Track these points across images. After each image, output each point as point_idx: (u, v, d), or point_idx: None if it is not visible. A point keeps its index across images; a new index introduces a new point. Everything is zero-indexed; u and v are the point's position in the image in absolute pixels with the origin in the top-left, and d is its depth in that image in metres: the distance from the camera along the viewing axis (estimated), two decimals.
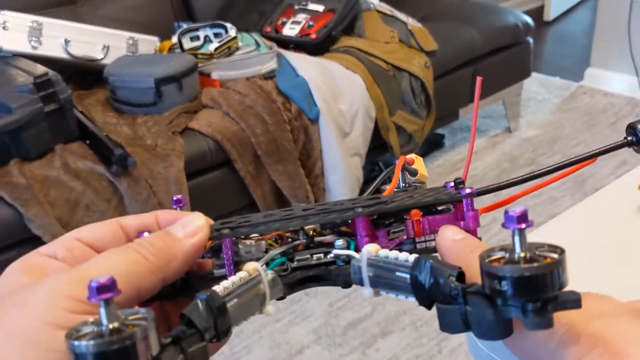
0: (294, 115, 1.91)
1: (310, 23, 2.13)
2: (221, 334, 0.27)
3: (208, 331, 0.26)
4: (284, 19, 2.17)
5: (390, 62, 2.14)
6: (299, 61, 1.99)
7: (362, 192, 2.15)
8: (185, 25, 2.06)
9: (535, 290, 0.24)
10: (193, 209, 1.59)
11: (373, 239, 0.31)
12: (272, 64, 1.98)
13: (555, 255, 0.25)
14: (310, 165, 1.98)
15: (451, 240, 0.30)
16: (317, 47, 2.10)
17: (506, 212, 0.25)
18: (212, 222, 0.33)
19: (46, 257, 0.30)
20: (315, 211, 0.32)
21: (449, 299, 0.26)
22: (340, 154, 1.98)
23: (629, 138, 0.34)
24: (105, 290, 0.23)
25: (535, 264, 0.24)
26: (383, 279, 0.29)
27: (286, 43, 2.12)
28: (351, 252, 0.31)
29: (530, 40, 2.58)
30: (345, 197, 2.05)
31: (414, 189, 0.37)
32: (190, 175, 1.76)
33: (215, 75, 1.94)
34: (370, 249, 0.29)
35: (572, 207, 0.69)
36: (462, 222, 0.32)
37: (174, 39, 2.02)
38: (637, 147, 0.34)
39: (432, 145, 2.64)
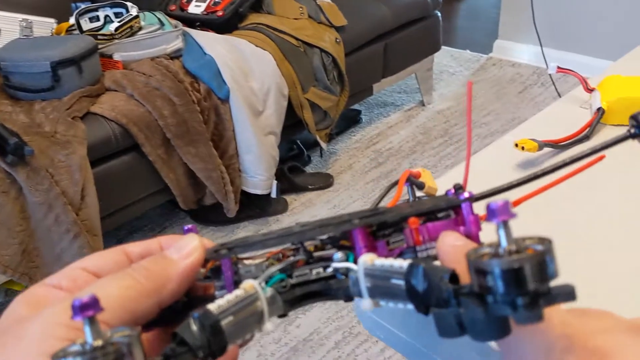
0: (203, 95, 1.86)
1: (217, 0, 2.08)
2: (216, 352, 0.26)
3: (201, 349, 0.26)
4: None
5: (300, 39, 2.12)
6: (206, 39, 1.94)
7: (279, 170, 2.13)
8: (83, 6, 1.96)
9: (523, 283, 0.23)
10: (101, 196, 1.53)
11: (372, 250, 0.30)
12: (177, 43, 1.92)
13: (541, 247, 0.24)
14: (224, 146, 1.94)
15: (451, 246, 0.29)
16: (224, 24, 2.05)
17: (488, 206, 0.24)
18: (210, 243, 0.32)
19: (50, 288, 0.30)
20: (313, 226, 0.31)
21: (443, 302, 0.26)
22: (254, 133, 1.95)
23: (632, 130, 0.34)
24: (87, 308, 0.24)
25: (519, 256, 0.23)
26: (380, 288, 0.28)
27: (192, 21, 2.06)
28: (348, 264, 0.30)
29: (439, 14, 2.62)
30: (262, 177, 2.04)
31: (415, 200, 0.36)
32: (95, 162, 1.69)
33: (117, 56, 1.86)
34: (366, 259, 0.29)
35: (455, 166, 0.69)
36: (462, 228, 0.31)
37: (72, 20, 1.92)
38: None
39: (349, 122, 2.65)
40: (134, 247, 0.34)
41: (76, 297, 0.24)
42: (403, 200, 0.39)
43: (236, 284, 0.30)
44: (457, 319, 0.25)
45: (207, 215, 2.09)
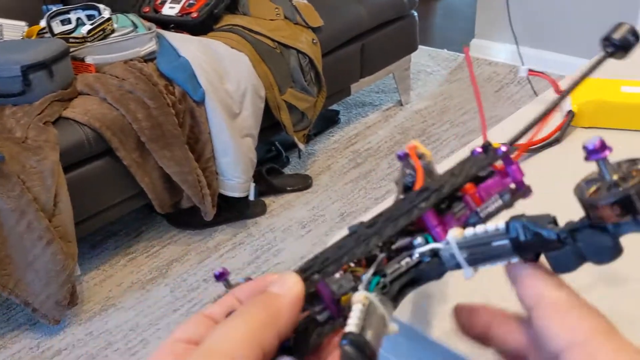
0: (178, 97, 1.84)
1: (191, 1, 2.06)
2: None
3: None
4: None
5: (276, 40, 2.10)
6: (181, 41, 1.92)
7: (256, 172, 2.12)
8: (54, 8, 1.93)
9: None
10: (74, 202, 1.50)
11: (443, 224, 0.32)
12: (151, 46, 1.90)
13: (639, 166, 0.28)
14: (200, 149, 1.92)
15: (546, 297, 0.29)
16: (199, 26, 2.03)
17: (585, 147, 0.27)
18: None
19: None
20: (382, 224, 0.32)
21: (557, 243, 0.28)
22: (231, 135, 1.93)
23: (608, 50, 0.34)
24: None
25: (633, 181, 0.27)
26: (479, 254, 0.30)
27: (166, 23, 2.04)
28: (435, 245, 0.31)
29: (415, 13, 2.63)
30: (239, 180, 2.02)
31: (453, 169, 0.35)
32: (68, 167, 1.67)
33: (89, 59, 1.83)
34: (456, 234, 0.30)
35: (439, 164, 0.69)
36: (509, 179, 0.33)
37: (43, 23, 1.89)
38: (617, 54, 0.34)
39: (327, 122, 2.65)
40: (214, 308, 0.33)
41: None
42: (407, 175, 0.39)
43: (337, 302, 0.31)
44: (576, 253, 0.28)
45: (184, 219, 2.07)
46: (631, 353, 0.25)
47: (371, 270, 0.31)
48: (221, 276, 0.35)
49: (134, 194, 1.85)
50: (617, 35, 0.33)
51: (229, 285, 0.35)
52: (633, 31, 0.33)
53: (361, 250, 0.31)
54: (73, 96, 1.76)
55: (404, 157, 0.39)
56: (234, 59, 1.97)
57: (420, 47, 2.81)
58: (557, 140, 0.73)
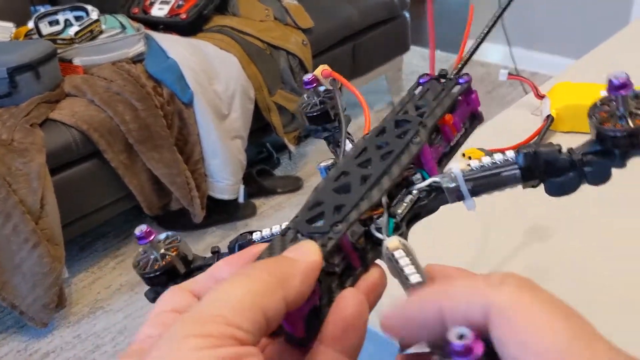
0: (166, 99, 1.83)
1: (180, 2, 2.05)
2: None
3: None
4: None
5: (266, 41, 2.10)
6: (169, 42, 1.91)
7: (246, 174, 2.11)
8: (42, 9, 1.92)
9: None
10: (62, 205, 1.49)
11: (430, 156, 0.33)
12: (139, 47, 1.89)
13: None
14: (189, 151, 1.91)
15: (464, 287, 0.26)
16: (188, 27, 2.02)
17: (610, 81, 0.28)
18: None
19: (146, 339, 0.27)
20: (387, 167, 0.31)
21: (565, 168, 0.30)
22: (220, 137, 1.93)
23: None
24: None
25: None
26: (484, 185, 0.31)
27: (155, 24, 2.03)
28: (436, 179, 0.31)
29: (407, 14, 2.62)
30: (228, 182, 2.01)
31: (416, 98, 0.36)
32: (55, 169, 1.66)
33: (77, 61, 1.82)
34: (462, 167, 0.31)
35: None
36: (470, 107, 0.34)
37: (30, 24, 1.88)
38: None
39: None
40: (194, 284, 0.29)
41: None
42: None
43: (356, 250, 0.29)
44: (579, 177, 0.30)
45: (174, 221, 2.06)
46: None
47: (386, 214, 0.30)
48: (144, 238, 0.32)
49: (122, 196, 1.85)
50: None
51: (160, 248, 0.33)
52: None
53: (376, 193, 0.30)
54: (60, 98, 1.75)
55: (311, 84, 0.39)
56: (223, 60, 1.97)
57: (412, 47, 2.80)
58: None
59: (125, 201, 1.88)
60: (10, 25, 1.92)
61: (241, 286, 0.25)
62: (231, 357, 0.22)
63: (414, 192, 0.31)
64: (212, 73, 1.92)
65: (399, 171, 0.31)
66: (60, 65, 1.78)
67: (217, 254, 0.32)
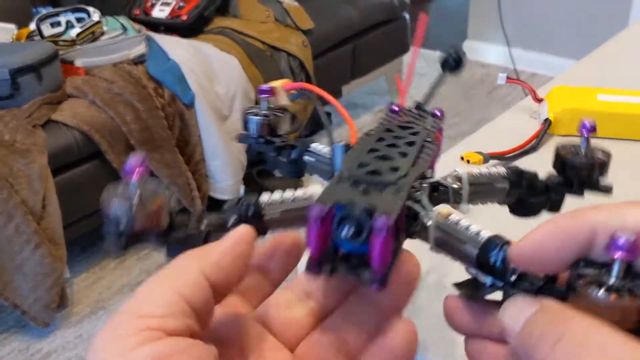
0: (167, 100, 1.84)
1: (181, 4, 2.06)
2: None
3: None
4: (153, 1, 2.09)
5: (266, 42, 2.11)
6: (170, 44, 1.92)
7: (246, 175, 2.12)
8: (44, 11, 1.93)
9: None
10: (64, 206, 1.49)
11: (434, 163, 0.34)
12: (141, 48, 1.90)
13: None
14: (190, 152, 1.92)
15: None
16: (189, 28, 2.03)
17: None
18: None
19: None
20: (405, 143, 0.32)
21: (540, 191, 0.34)
22: (221, 138, 1.94)
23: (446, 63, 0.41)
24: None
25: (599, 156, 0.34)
26: (479, 193, 0.32)
27: (156, 26, 2.04)
28: (441, 179, 0.32)
29: (407, 15, 2.63)
30: (229, 182, 2.02)
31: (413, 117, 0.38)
32: (56, 170, 1.66)
33: (79, 62, 1.83)
34: (470, 171, 0.32)
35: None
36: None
37: (32, 26, 1.89)
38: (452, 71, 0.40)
39: (318, 124, 2.65)
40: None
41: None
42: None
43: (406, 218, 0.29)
44: (548, 200, 0.34)
45: None
46: None
47: (426, 190, 0.30)
48: (132, 172, 0.27)
49: None
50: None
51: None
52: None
53: (423, 165, 0.31)
54: (62, 99, 1.76)
55: (266, 93, 0.38)
56: (224, 61, 1.98)
57: (412, 48, 2.81)
58: (533, 148, 0.74)
59: None
60: (12, 26, 1.93)
61: (154, 278, 0.24)
62: (154, 355, 0.21)
63: (425, 185, 0.32)
64: (213, 74, 1.93)
65: (430, 157, 0.31)
66: (61, 67, 1.79)
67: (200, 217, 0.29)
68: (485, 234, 0.27)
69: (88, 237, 2.07)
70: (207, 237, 0.28)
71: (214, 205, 2.03)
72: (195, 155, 1.93)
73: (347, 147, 0.33)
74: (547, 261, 0.24)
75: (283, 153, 0.36)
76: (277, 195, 0.29)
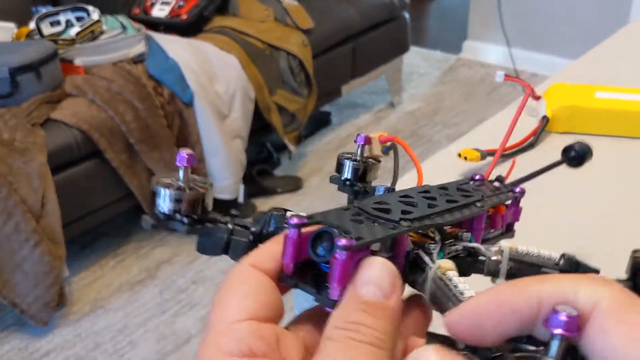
0: (167, 99, 1.84)
1: (181, 3, 2.06)
2: None
3: None
4: (153, 0, 2.09)
5: (266, 42, 2.11)
6: (170, 43, 1.92)
7: (246, 174, 2.12)
8: (43, 10, 1.93)
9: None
10: (63, 204, 1.48)
11: (481, 230, 0.33)
12: (140, 47, 1.90)
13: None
14: None
15: None
16: (188, 27, 2.03)
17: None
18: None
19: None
20: (444, 200, 0.31)
21: None
22: (220, 137, 1.94)
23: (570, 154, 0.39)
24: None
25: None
26: (521, 271, 0.31)
27: (156, 25, 2.04)
28: (481, 247, 0.31)
29: (407, 15, 2.63)
30: (228, 181, 2.02)
31: (481, 184, 0.36)
32: (56, 169, 1.67)
33: (78, 61, 1.83)
34: (511, 246, 0.31)
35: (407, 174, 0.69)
36: (512, 215, 0.35)
37: (32, 25, 1.89)
38: (572, 164, 0.39)
39: (318, 124, 2.65)
40: (268, 262, 0.27)
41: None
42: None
43: (407, 257, 0.29)
44: None
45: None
46: None
47: (439, 244, 0.30)
48: (184, 160, 0.29)
49: (123, 196, 1.86)
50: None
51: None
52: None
53: (440, 219, 0.30)
54: (61, 98, 1.76)
55: (365, 141, 0.38)
56: (224, 60, 1.98)
57: (412, 48, 2.81)
58: (531, 145, 0.74)
59: (125, 200, 1.88)
60: (11, 25, 1.93)
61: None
62: None
63: (459, 247, 0.32)
64: (212, 73, 1.93)
65: (461, 218, 0.30)
66: (61, 66, 1.79)
67: (233, 217, 0.31)
68: (467, 296, 0.26)
69: (87, 235, 2.07)
70: (231, 234, 0.29)
71: (214, 204, 2.03)
72: (194, 154, 1.93)
73: (388, 190, 0.34)
74: (483, 335, 0.23)
75: (358, 197, 0.37)
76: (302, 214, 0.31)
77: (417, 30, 3.38)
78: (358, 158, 0.38)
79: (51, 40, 1.82)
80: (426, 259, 0.28)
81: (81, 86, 1.76)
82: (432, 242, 0.30)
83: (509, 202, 0.35)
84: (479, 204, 0.32)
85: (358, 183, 0.37)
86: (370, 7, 2.47)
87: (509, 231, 0.36)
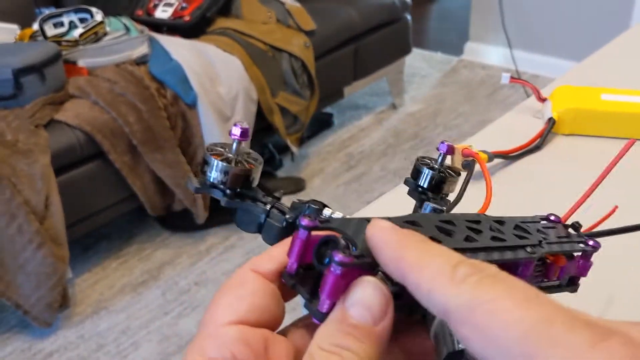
0: (170, 101, 1.84)
1: (184, 5, 2.06)
2: None
3: None
4: (156, 2, 2.09)
5: (268, 43, 2.11)
6: (173, 44, 1.92)
7: None
8: (47, 11, 1.93)
9: None
10: (66, 206, 1.48)
11: (528, 278, 0.31)
12: (143, 49, 1.90)
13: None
14: (192, 152, 1.93)
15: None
16: (191, 29, 2.04)
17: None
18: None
19: None
20: (489, 237, 0.29)
21: None
22: (223, 139, 1.94)
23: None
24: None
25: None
26: None
27: (159, 26, 2.04)
28: None
29: (409, 17, 2.63)
30: None
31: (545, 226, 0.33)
32: (59, 170, 1.67)
33: (81, 62, 1.83)
34: None
35: (394, 188, 0.70)
36: (578, 270, 0.32)
37: (35, 26, 1.89)
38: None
39: (321, 125, 2.65)
40: (264, 263, 0.27)
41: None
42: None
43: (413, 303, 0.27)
44: None
45: (177, 221, 2.08)
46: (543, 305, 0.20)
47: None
48: (239, 135, 0.30)
49: (125, 197, 1.86)
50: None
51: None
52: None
53: (481, 259, 0.27)
54: (65, 99, 1.76)
55: (448, 151, 0.36)
56: (226, 62, 1.98)
57: (414, 50, 2.82)
58: (537, 147, 0.74)
59: (128, 202, 1.89)
60: (14, 27, 1.93)
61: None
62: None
63: None
64: (215, 75, 1.94)
65: (498, 259, 0.28)
66: (64, 67, 1.79)
67: (275, 200, 0.31)
68: (462, 347, 0.24)
69: (90, 237, 2.07)
70: (267, 215, 0.30)
71: (217, 205, 2.03)
72: (197, 156, 1.93)
73: (436, 210, 0.33)
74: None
75: (423, 205, 0.36)
76: (337, 214, 0.30)
77: (419, 31, 3.38)
78: (437, 167, 0.36)
79: (54, 41, 1.82)
80: None
81: (84, 87, 1.76)
82: None
83: (577, 254, 0.32)
84: (529, 249, 0.29)
85: (429, 193, 0.35)
86: (372, 9, 2.47)
87: (571, 285, 0.32)
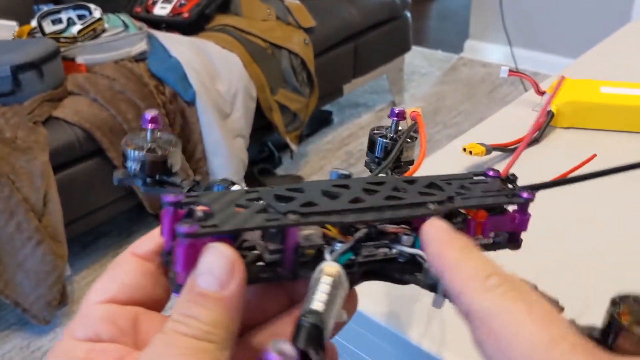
0: (169, 98, 1.84)
1: (182, 2, 2.06)
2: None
3: (319, 355, 0.23)
4: None
5: (268, 40, 2.11)
6: (172, 41, 1.92)
7: (248, 173, 2.12)
8: (45, 8, 1.93)
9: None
10: (65, 203, 1.48)
11: None
12: (142, 46, 1.90)
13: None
14: (191, 149, 1.92)
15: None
16: (190, 26, 2.03)
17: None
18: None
19: (89, 345, 0.24)
20: (381, 200, 0.27)
21: None
22: (222, 136, 1.93)
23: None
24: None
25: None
26: None
27: (158, 23, 2.04)
28: (422, 253, 0.27)
29: (408, 14, 2.63)
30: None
31: (464, 178, 0.32)
32: (58, 167, 1.66)
33: (80, 59, 1.83)
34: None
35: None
36: (513, 225, 0.30)
37: (34, 23, 1.88)
38: None
39: (320, 123, 2.65)
40: (144, 245, 0.27)
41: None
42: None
43: (296, 253, 0.26)
44: None
45: None
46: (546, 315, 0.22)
47: (349, 244, 0.27)
48: (148, 122, 0.31)
49: (124, 195, 1.85)
50: None
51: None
52: None
53: (353, 218, 0.27)
54: (63, 96, 1.75)
55: (398, 116, 0.35)
56: (225, 59, 1.97)
57: (414, 47, 2.81)
58: (536, 140, 0.73)
59: (127, 199, 1.88)
60: (13, 23, 1.93)
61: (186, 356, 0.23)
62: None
63: (394, 250, 0.28)
64: (214, 72, 1.93)
65: (390, 217, 0.27)
66: (63, 64, 1.79)
67: (194, 183, 0.31)
68: (315, 306, 0.24)
69: (89, 234, 2.07)
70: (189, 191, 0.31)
71: None
72: (196, 153, 1.93)
73: (343, 177, 0.31)
74: None
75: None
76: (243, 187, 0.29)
77: (419, 29, 3.38)
78: (391, 135, 0.34)
79: (53, 38, 1.82)
80: (327, 256, 0.26)
81: (83, 84, 1.76)
82: (344, 239, 0.27)
83: (512, 207, 0.30)
84: (432, 206, 0.27)
85: (376, 156, 0.34)
86: (372, 7, 2.46)
87: (511, 241, 0.30)
